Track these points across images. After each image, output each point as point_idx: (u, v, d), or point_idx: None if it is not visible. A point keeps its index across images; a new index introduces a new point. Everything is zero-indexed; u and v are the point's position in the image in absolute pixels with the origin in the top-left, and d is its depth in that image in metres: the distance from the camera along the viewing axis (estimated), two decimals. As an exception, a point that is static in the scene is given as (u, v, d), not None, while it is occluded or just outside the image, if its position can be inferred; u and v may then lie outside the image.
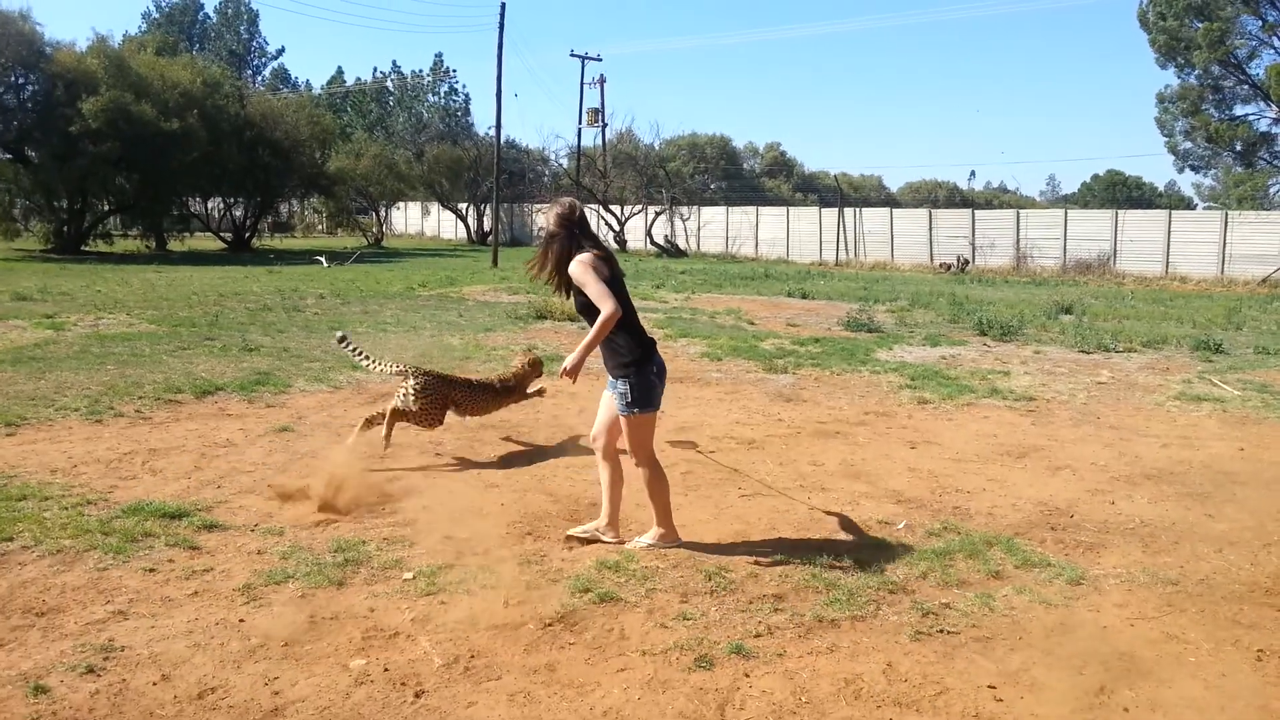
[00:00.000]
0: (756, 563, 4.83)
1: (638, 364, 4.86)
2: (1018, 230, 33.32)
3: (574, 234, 4.91)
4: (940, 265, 33.55)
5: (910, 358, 12.00)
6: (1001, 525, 5.60)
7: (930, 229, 35.51)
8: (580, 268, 4.76)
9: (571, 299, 5.01)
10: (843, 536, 5.31)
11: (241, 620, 4.06)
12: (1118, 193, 71.44)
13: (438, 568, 4.67)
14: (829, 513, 5.74)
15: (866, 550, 5.07)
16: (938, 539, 5.29)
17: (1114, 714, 3.50)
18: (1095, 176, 78.95)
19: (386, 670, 3.67)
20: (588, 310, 4.83)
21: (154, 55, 33.78)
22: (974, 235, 34.13)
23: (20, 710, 3.32)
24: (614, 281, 4.82)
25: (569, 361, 4.83)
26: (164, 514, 5.31)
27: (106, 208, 33.63)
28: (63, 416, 7.68)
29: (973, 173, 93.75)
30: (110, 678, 3.55)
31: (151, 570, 4.56)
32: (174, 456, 6.65)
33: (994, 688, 3.65)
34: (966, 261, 33.19)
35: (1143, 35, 37.10)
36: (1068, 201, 74.91)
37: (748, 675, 3.69)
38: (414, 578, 4.55)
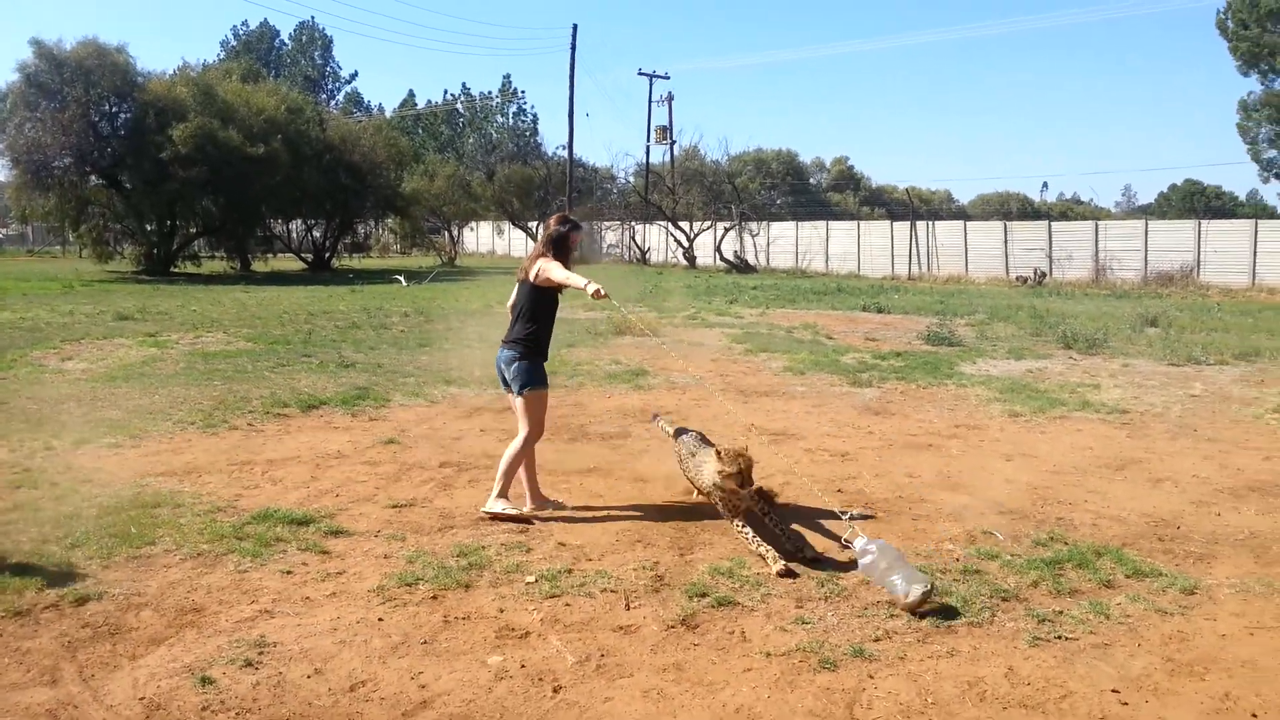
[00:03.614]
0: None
1: None
2: (1096, 242, 32.74)
3: None
4: (1017, 278, 33.10)
5: (995, 371, 11.93)
6: (1108, 536, 5.60)
7: (1005, 242, 35.06)
8: None
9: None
10: (949, 546, 5.37)
11: (380, 619, 4.28)
12: (1196, 202, 69.59)
13: (557, 571, 4.85)
14: (932, 522, 5.80)
15: (975, 559, 5.13)
16: (1045, 549, 5.31)
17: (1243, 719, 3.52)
18: (1173, 186, 76.98)
19: (523, 667, 3.85)
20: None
21: (239, 83, 34.94)
22: (1051, 247, 33.62)
23: (191, 699, 3.56)
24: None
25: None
26: (291, 520, 5.59)
27: (194, 230, 34.82)
28: (181, 429, 8.06)
29: (1045, 184, 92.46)
30: (268, 670, 3.78)
31: (289, 572, 4.81)
32: (290, 467, 6.95)
33: (1117, 692, 3.69)
34: (1044, 274, 32.69)
35: (1221, 43, 36.31)
36: (1145, 213, 73.21)
37: (871, 677, 3.79)
38: (536, 581, 4.73)
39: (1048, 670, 3.87)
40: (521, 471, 5.96)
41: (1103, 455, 7.65)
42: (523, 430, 5.91)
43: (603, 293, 5.54)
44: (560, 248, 5.98)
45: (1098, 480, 6.90)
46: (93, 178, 31.88)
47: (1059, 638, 4.16)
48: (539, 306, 5.98)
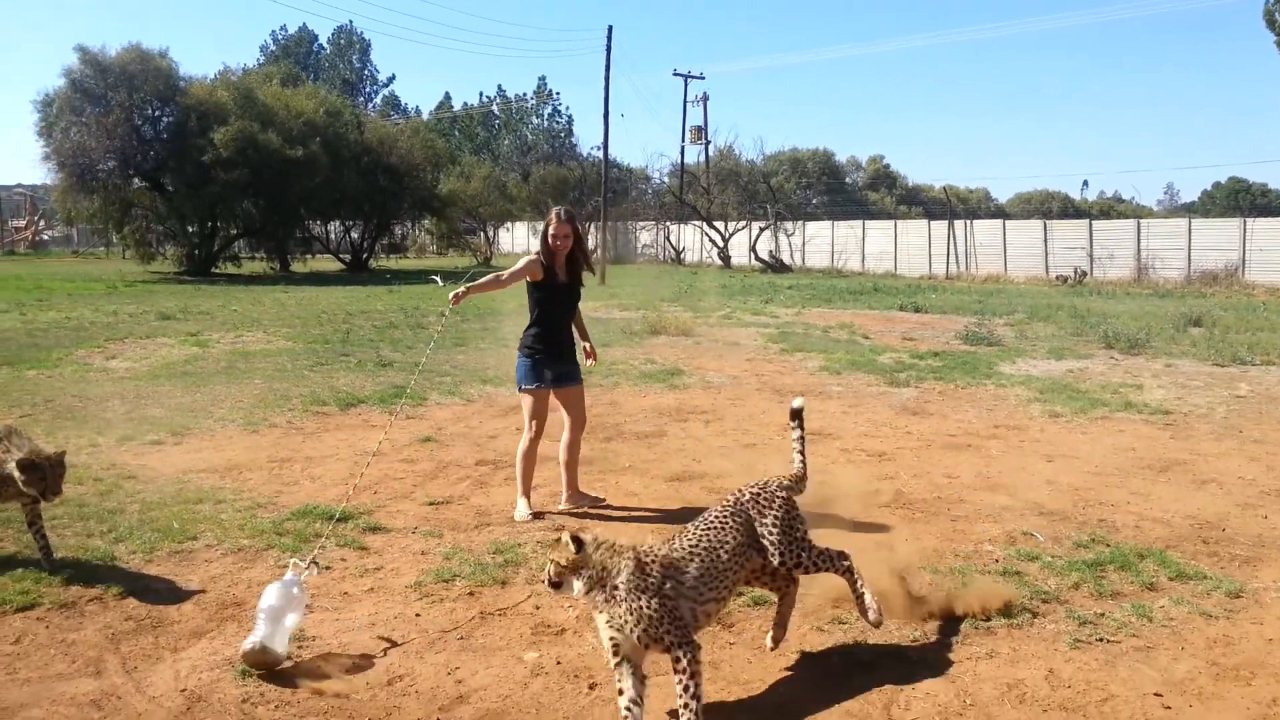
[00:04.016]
0: (905, 571, 4.87)
1: None
2: (1138, 241, 32.24)
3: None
4: (1056, 277, 32.68)
5: (1035, 371, 11.79)
6: (1150, 538, 5.51)
7: (1045, 240, 34.63)
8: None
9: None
10: (988, 547, 5.31)
11: (418, 614, 4.31)
12: (1241, 200, 68.32)
13: (593, 570, 4.85)
14: (971, 524, 5.75)
15: (1015, 560, 5.07)
16: (1086, 551, 5.24)
17: (1291, 725, 3.45)
18: (1216, 184, 75.67)
19: (559, 663, 3.86)
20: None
21: (279, 87, 35.38)
22: (1091, 246, 33.17)
23: (232, 691, 3.61)
24: None
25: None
26: (330, 516, 5.63)
27: (235, 232, 35.31)
28: (222, 427, 8.18)
29: (1085, 182, 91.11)
30: (308, 665, 3.82)
31: (327, 568, 4.85)
32: (329, 464, 7.03)
33: (1160, 696, 3.64)
34: (1084, 273, 32.26)
35: (1268, 35, 35.55)
36: (1189, 211, 72.03)
37: (909, 678, 3.75)
38: (572, 579, 4.73)
39: (1089, 673, 3.81)
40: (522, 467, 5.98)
41: (1146, 456, 7.53)
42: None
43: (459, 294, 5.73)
44: (542, 241, 5.90)
45: (1140, 482, 6.80)
46: (136, 180, 32.45)
47: (1101, 640, 4.11)
48: (528, 303, 5.99)
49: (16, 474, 4.49)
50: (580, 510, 5.95)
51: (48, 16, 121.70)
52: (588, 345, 6.18)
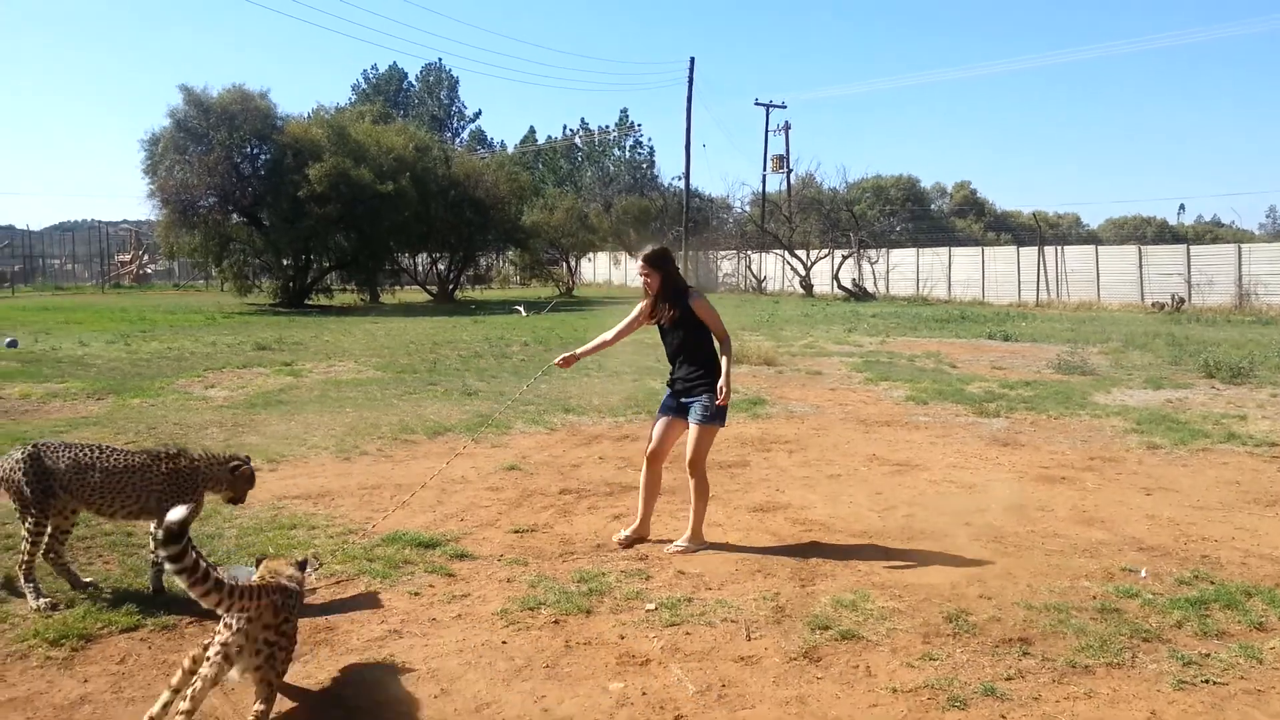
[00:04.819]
0: (998, 606, 4.75)
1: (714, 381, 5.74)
2: (1239, 266, 31.09)
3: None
4: (1153, 304, 31.65)
5: (1132, 401, 11.42)
6: (1258, 576, 5.28)
7: (1140, 266, 33.63)
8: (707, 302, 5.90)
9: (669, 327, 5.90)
10: (1085, 584, 5.14)
11: (504, 642, 4.35)
12: (1351, 223, 65.34)
13: (677, 600, 4.84)
14: (1067, 558, 5.58)
15: (1113, 598, 4.90)
16: (1189, 588, 5.04)
17: None
18: (1324, 206, 72.54)
19: (644, 694, 3.85)
20: (696, 341, 5.85)
21: (370, 124, 36.46)
22: (1189, 272, 32.08)
23: (332, 713, 3.68)
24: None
25: (725, 387, 5.69)
26: (418, 543, 5.74)
27: (327, 264, 36.35)
28: (315, 454, 8.39)
29: (1182, 206, 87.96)
30: (397, 690, 3.88)
31: (416, 594, 4.94)
32: (418, 491, 7.14)
33: (1274, 743, 3.47)
34: (1182, 300, 31.18)
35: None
36: (1294, 234, 69.12)
37: (1004, 717, 3.65)
38: (656, 609, 4.73)
39: (1194, 715, 3.66)
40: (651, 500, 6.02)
41: (1251, 490, 7.22)
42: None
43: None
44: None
45: (1246, 517, 6.52)
46: (235, 216, 33.67)
47: (1206, 681, 3.94)
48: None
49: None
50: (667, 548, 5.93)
51: (155, 59, 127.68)
52: (720, 384, 5.72)
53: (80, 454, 4.76)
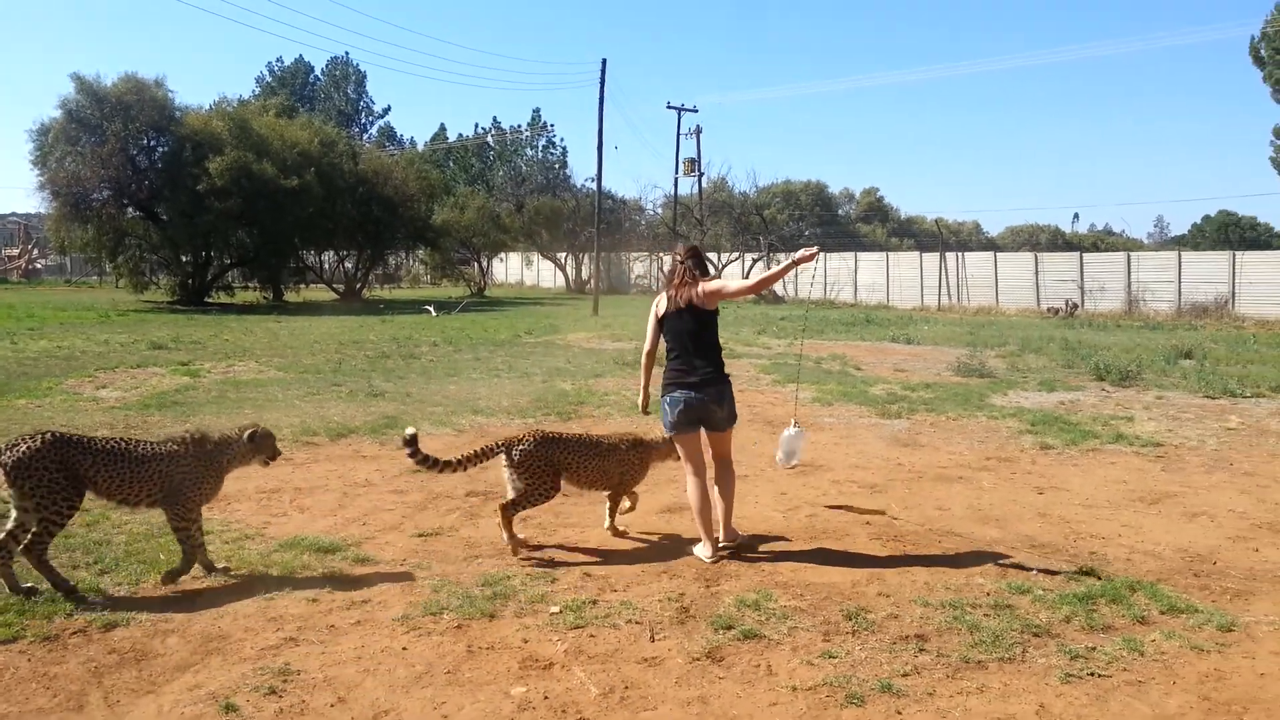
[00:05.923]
0: (896, 604, 4.85)
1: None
2: (1129, 273, 32.46)
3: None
4: (1048, 309, 32.83)
5: (1027, 403, 11.80)
6: (1142, 571, 5.50)
7: (1036, 273, 34.84)
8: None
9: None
10: (980, 580, 5.29)
11: (405, 648, 4.27)
12: (1230, 234, 68.76)
13: (582, 602, 4.82)
14: (962, 556, 5.73)
15: (1006, 594, 5.05)
16: (1077, 584, 5.22)
17: (1283, 761, 3.42)
18: (1206, 217, 76.05)
19: (546, 698, 3.82)
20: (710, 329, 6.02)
21: (274, 117, 35.53)
22: (1082, 279, 33.36)
23: (215, 726, 3.56)
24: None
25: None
26: (318, 548, 5.61)
27: (228, 261, 35.31)
28: (211, 457, 8.11)
29: (1076, 215, 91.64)
30: (291, 699, 3.78)
31: (314, 600, 4.82)
32: (318, 495, 6.99)
33: (1153, 732, 3.61)
34: (1075, 305, 32.41)
35: (1255, 71, 36.03)
36: (1179, 244, 72.42)
37: (900, 713, 3.73)
38: (561, 611, 4.70)
39: (1080, 708, 3.79)
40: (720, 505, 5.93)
41: (1137, 489, 7.53)
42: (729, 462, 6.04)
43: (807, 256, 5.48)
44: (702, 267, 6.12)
45: (1132, 514, 6.79)
46: (130, 210, 32.49)
47: (1092, 674, 4.08)
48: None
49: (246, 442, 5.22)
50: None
51: (45, 47, 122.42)
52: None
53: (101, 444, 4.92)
